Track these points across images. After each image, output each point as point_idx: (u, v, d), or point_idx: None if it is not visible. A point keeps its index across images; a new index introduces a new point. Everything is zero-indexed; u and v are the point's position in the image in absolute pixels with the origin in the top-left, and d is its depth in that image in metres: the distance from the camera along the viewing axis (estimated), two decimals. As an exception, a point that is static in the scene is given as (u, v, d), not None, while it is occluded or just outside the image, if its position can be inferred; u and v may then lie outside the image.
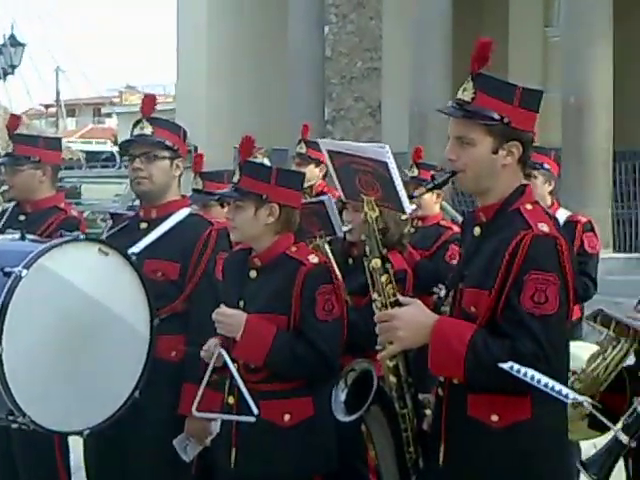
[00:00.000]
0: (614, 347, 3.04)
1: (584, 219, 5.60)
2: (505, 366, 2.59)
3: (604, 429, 2.97)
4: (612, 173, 13.25)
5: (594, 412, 2.66)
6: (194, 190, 5.39)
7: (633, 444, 2.59)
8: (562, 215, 5.36)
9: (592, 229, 5.55)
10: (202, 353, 3.69)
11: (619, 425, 2.69)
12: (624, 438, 2.58)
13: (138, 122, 4.16)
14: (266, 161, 4.80)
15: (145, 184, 4.11)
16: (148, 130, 4.10)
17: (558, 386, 2.59)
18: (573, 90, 12.82)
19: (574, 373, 3.15)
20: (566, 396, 2.59)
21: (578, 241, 5.35)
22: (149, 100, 4.23)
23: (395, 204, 3.24)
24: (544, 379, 2.59)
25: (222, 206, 5.01)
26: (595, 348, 3.38)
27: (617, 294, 9.69)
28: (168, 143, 4.12)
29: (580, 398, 2.64)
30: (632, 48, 15.95)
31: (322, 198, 4.41)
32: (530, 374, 2.58)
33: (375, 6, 20.62)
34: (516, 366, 2.59)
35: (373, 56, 20.68)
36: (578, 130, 12.73)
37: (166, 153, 4.11)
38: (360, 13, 21.24)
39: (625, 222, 14.28)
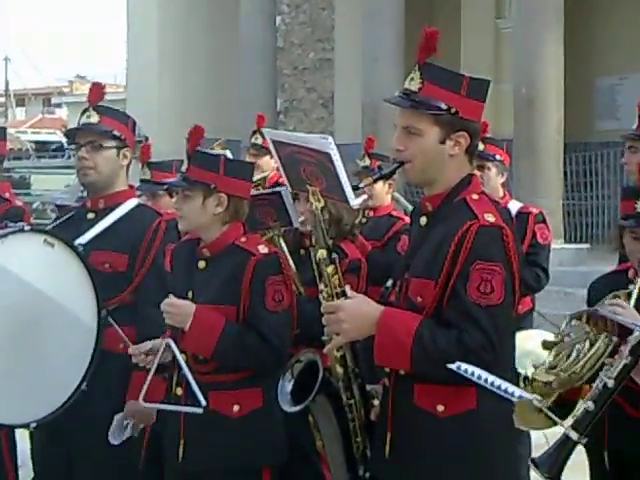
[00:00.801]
0: (592, 343, 2.99)
1: (536, 210, 5.62)
2: (453, 366, 2.60)
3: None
4: (563, 164, 13.37)
5: (544, 409, 2.68)
6: (142, 180, 5.38)
7: (583, 441, 2.60)
8: (514, 207, 5.36)
9: (544, 220, 5.57)
10: (134, 348, 3.68)
11: (569, 422, 2.69)
12: (574, 435, 2.59)
13: (85, 110, 4.13)
14: (228, 153, 4.76)
15: (91, 174, 4.07)
16: (95, 119, 4.06)
17: (505, 384, 2.61)
18: (524, 81, 12.87)
19: (536, 367, 3.15)
20: (512, 394, 2.60)
21: (530, 232, 5.37)
22: (97, 89, 4.18)
23: (340, 195, 3.24)
24: (491, 378, 2.60)
25: (171, 196, 5.01)
26: (534, 333, 3.40)
27: (568, 284, 9.83)
28: (115, 132, 4.08)
29: (528, 396, 2.66)
30: (583, 38, 16.14)
31: (278, 189, 4.40)
32: (477, 373, 2.59)
33: (325, -6, 20.63)
34: (464, 366, 2.60)
35: (326, 47, 20.67)
36: (530, 121, 12.75)
37: (113, 142, 4.07)
38: (312, 3, 21.22)
39: (576, 213, 14.44)
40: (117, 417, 3.92)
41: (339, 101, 19.35)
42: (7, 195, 4.67)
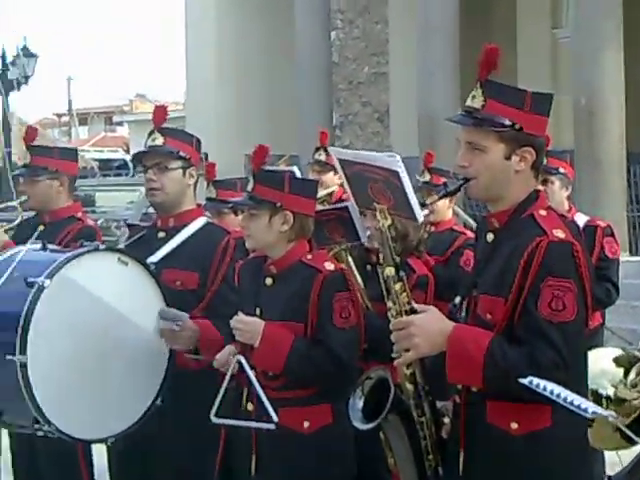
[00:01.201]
0: None
1: (603, 223, 5.53)
2: (525, 381, 2.55)
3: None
4: (626, 175, 13.08)
5: (620, 426, 2.65)
6: (208, 199, 5.43)
7: None
8: (581, 220, 5.28)
9: (612, 233, 5.48)
10: (215, 362, 3.72)
11: None
12: None
13: (150, 133, 4.19)
14: (295, 169, 4.77)
15: (159, 195, 4.14)
16: (159, 141, 4.12)
17: (578, 400, 2.54)
18: (584, 92, 12.64)
19: (615, 385, 3.09)
20: (585, 410, 2.55)
21: (598, 246, 5.29)
22: (160, 111, 4.23)
23: (407, 212, 3.24)
24: (564, 393, 2.53)
25: (236, 214, 5.03)
26: (605, 352, 3.34)
27: (634, 298, 9.64)
28: (180, 153, 4.14)
29: (604, 413, 2.59)
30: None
31: (346, 204, 4.39)
32: (550, 388, 2.53)
33: (381, 11, 20.59)
34: (535, 380, 2.55)
35: (380, 61, 20.65)
36: (590, 132, 12.52)
37: (178, 163, 4.13)
38: (366, 18, 21.22)
39: (640, 225, 14.13)
40: (167, 314, 3.94)
41: (394, 115, 19.31)
42: (79, 215, 4.74)
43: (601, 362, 3.30)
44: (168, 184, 4.11)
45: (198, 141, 4.32)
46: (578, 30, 13.11)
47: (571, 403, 2.55)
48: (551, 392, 2.55)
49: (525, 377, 2.63)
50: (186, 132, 4.55)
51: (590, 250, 4.91)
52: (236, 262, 4.02)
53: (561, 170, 5.24)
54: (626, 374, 3.03)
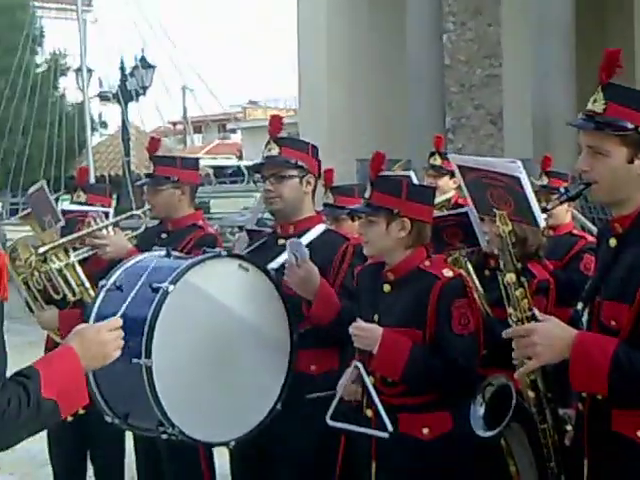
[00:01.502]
0: None
1: None
2: None
3: None
4: None
5: None
6: (325, 204, 5.46)
7: None
8: None
9: None
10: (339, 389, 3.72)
11: None
12: None
13: (267, 143, 4.24)
14: (412, 174, 4.76)
15: (277, 203, 4.19)
16: (275, 151, 4.17)
17: None
18: None
19: None
20: None
21: None
22: (276, 121, 4.27)
23: (528, 218, 3.20)
24: None
25: (353, 220, 5.05)
26: None
27: None
28: (296, 162, 4.17)
29: None
30: None
31: (465, 209, 4.37)
32: None
33: (493, 12, 20.37)
34: None
35: (493, 63, 20.42)
36: None
37: (294, 172, 4.16)
38: (478, 20, 21.03)
39: None
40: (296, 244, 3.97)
41: (508, 117, 19.05)
42: (200, 222, 4.81)
43: None
44: (286, 192, 4.16)
45: (315, 148, 4.35)
46: None
47: None
48: None
49: None
50: (302, 140, 4.59)
51: None
52: (354, 268, 4.04)
53: None
54: None
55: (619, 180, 2.83)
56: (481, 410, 3.08)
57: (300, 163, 4.17)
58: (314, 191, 4.30)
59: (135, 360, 3.58)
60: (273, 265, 4.04)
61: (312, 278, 3.94)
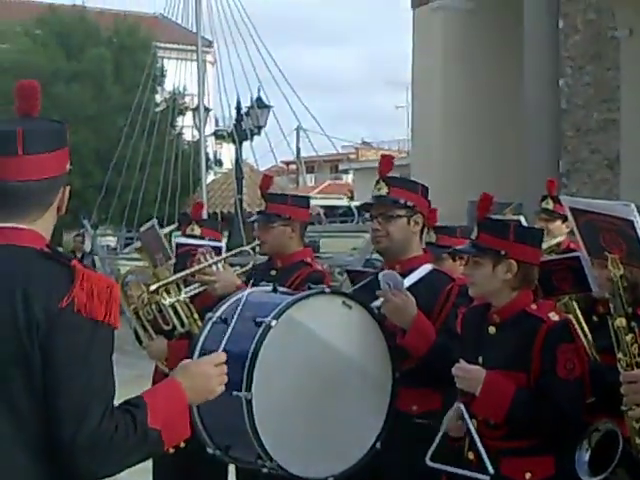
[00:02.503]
0: None
1: None
2: None
3: None
4: None
5: None
6: (427, 243, 5.47)
7: None
8: None
9: None
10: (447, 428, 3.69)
11: None
12: None
13: (377, 183, 4.27)
14: (522, 218, 4.73)
15: (383, 241, 4.23)
16: (384, 191, 4.20)
17: None
18: None
19: None
20: None
21: None
22: (386, 160, 4.31)
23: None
24: None
25: (454, 259, 5.06)
26: None
27: None
28: (405, 202, 4.19)
29: None
30: None
31: (577, 253, 4.32)
32: None
33: (612, 56, 20.18)
34: None
35: (610, 107, 20.19)
36: None
37: (403, 212, 4.19)
38: (596, 64, 20.84)
39: None
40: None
41: (625, 162, 18.77)
42: (309, 260, 4.84)
43: None
44: (393, 232, 4.18)
45: (424, 188, 4.37)
46: None
47: None
48: None
49: None
50: (412, 181, 4.61)
51: None
52: (458, 308, 4.04)
53: None
54: None
55: None
56: (586, 455, 3.04)
57: (409, 203, 4.20)
58: (422, 231, 4.32)
59: (235, 393, 3.62)
60: (377, 303, 4.04)
61: (408, 307, 3.96)
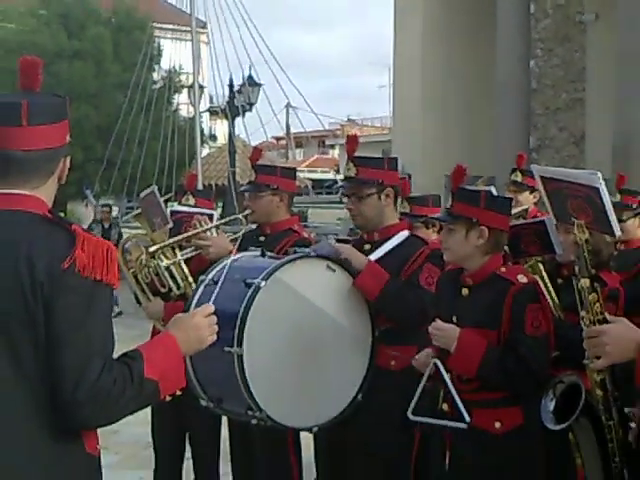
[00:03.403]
0: None
1: None
2: None
3: None
4: None
5: None
6: (402, 213, 5.49)
7: None
8: None
9: None
10: (413, 362, 3.74)
11: None
12: None
13: (347, 163, 4.27)
14: (492, 189, 4.73)
15: (358, 219, 4.25)
16: (352, 172, 4.19)
17: None
18: None
19: None
20: None
21: None
22: (351, 140, 4.29)
23: (605, 227, 3.20)
24: None
25: (427, 227, 5.08)
26: None
27: None
28: (373, 180, 4.17)
29: None
30: None
31: (543, 218, 4.34)
32: None
33: (579, 39, 20.16)
34: None
35: (577, 87, 20.20)
36: None
37: (373, 189, 4.17)
38: (565, 47, 20.81)
39: None
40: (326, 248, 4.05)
41: (590, 139, 18.82)
42: (296, 227, 4.82)
43: None
44: (365, 210, 4.18)
45: (390, 160, 4.36)
46: None
47: None
48: None
49: None
50: (377, 158, 4.55)
51: None
52: (425, 265, 4.06)
53: None
54: None
55: None
56: (551, 405, 3.07)
57: (377, 180, 4.18)
58: (396, 199, 4.31)
59: (227, 348, 3.62)
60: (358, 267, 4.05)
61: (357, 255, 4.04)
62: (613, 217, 3.18)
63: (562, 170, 3.54)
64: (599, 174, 3.19)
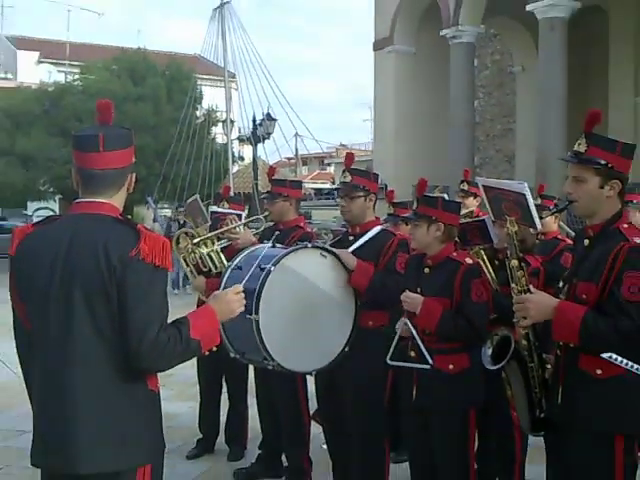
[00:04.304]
0: None
1: None
2: (605, 356, 2.43)
3: None
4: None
5: None
6: (388, 214, 5.49)
7: None
8: None
9: None
10: (397, 325, 3.71)
11: None
12: None
13: (343, 172, 4.22)
14: (445, 195, 4.73)
15: (347, 214, 4.18)
16: (348, 178, 4.13)
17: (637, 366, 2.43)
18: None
19: None
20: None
21: None
22: (349, 156, 4.25)
23: (530, 222, 3.21)
24: (635, 365, 2.42)
25: (406, 224, 5.06)
26: None
27: None
28: (363, 187, 4.13)
29: None
30: None
31: (483, 218, 4.33)
32: (625, 362, 2.41)
33: (511, 85, 20.13)
34: (614, 356, 2.42)
35: (509, 120, 20.17)
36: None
37: (360, 193, 4.12)
38: (500, 91, 20.77)
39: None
40: None
41: (519, 159, 18.81)
42: (302, 224, 4.77)
43: None
44: (353, 208, 4.12)
45: (375, 175, 4.31)
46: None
47: (637, 369, 2.44)
48: (625, 364, 2.43)
49: (609, 341, 2.56)
50: (365, 170, 4.51)
51: None
52: (397, 253, 4.01)
53: (634, 201, 4.91)
54: None
55: (593, 200, 2.79)
56: (489, 352, 3.05)
57: (365, 187, 4.13)
58: (374, 204, 4.24)
59: (248, 316, 3.60)
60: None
61: (350, 257, 3.96)
62: (536, 215, 3.18)
63: (498, 181, 3.54)
64: (525, 184, 3.20)
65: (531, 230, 3.86)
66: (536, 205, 5.32)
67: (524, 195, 3.14)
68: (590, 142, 2.78)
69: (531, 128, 16.11)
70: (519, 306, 2.82)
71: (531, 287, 2.89)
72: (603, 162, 2.75)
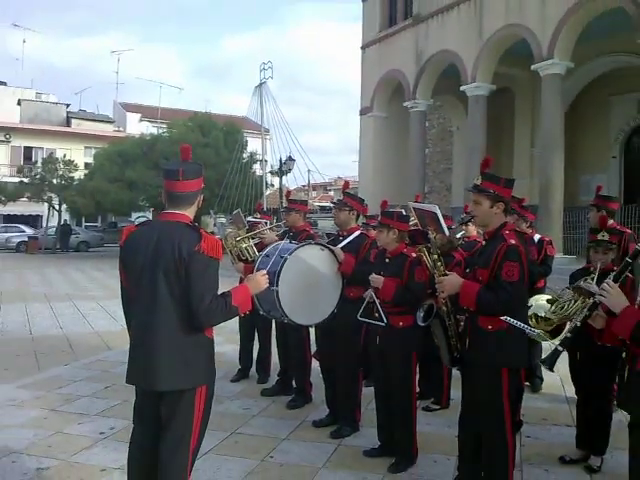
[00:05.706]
0: (575, 301, 2.73)
1: (547, 238, 5.09)
2: (502, 318, 2.47)
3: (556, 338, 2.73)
4: (563, 220, 12.31)
5: (541, 337, 2.54)
6: (363, 223, 5.47)
7: (560, 349, 2.33)
8: (537, 237, 4.87)
9: (551, 242, 5.04)
10: (364, 294, 3.68)
11: (558, 341, 2.40)
12: (560, 347, 2.34)
13: (342, 195, 4.16)
14: (403, 211, 4.71)
15: (337, 221, 4.06)
16: (342, 198, 4.07)
17: (524, 325, 2.48)
18: (540, 178, 12.02)
19: (545, 312, 2.90)
20: (530, 330, 2.49)
21: (544, 249, 4.84)
22: (345, 183, 4.19)
23: (442, 231, 3.23)
24: (519, 323, 2.47)
25: (374, 229, 5.01)
26: (544, 297, 3.18)
27: (560, 273, 8.85)
28: (350, 205, 3.99)
29: (536, 331, 2.52)
30: (579, 152, 14.78)
31: (423, 229, 4.26)
32: (515, 322, 2.46)
33: (450, 139, 20.03)
34: (509, 318, 2.47)
35: (448, 162, 20.07)
36: (546, 196, 11.90)
37: (347, 208, 3.92)
38: (443, 143, 20.66)
39: (570, 236, 13.18)
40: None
41: (454, 189, 18.72)
42: (308, 229, 4.67)
43: (541, 300, 3.16)
44: (341, 217, 3.95)
45: (362, 199, 4.22)
46: (542, 148, 12.41)
47: (522, 326, 2.48)
48: (515, 322, 2.48)
49: (494, 306, 2.56)
50: (355, 195, 4.30)
51: (540, 251, 4.64)
52: (371, 251, 3.95)
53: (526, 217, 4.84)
54: (551, 306, 2.88)
55: (486, 216, 2.82)
56: (421, 314, 3.06)
57: (351, 205, 4.07)
58: (358, 216, 4.16)
59: (272, 288, 3.58)
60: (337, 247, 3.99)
61: (340, 252, 3.87)
62: (444, 226, 3.19)
63: (422, 204, 3.56)
64: (437, 206, 3.23)
65: (457, 235, 3.86)
66: (462, 218, 5.35)
67: (435, 213, 3.18)
68: (484, 178, 2.81)
69: (462, 168, 16.09)
70: (439, 285, 2.83)
71: (448, 272, 2.89)
72: (492, 191, 2.77)
